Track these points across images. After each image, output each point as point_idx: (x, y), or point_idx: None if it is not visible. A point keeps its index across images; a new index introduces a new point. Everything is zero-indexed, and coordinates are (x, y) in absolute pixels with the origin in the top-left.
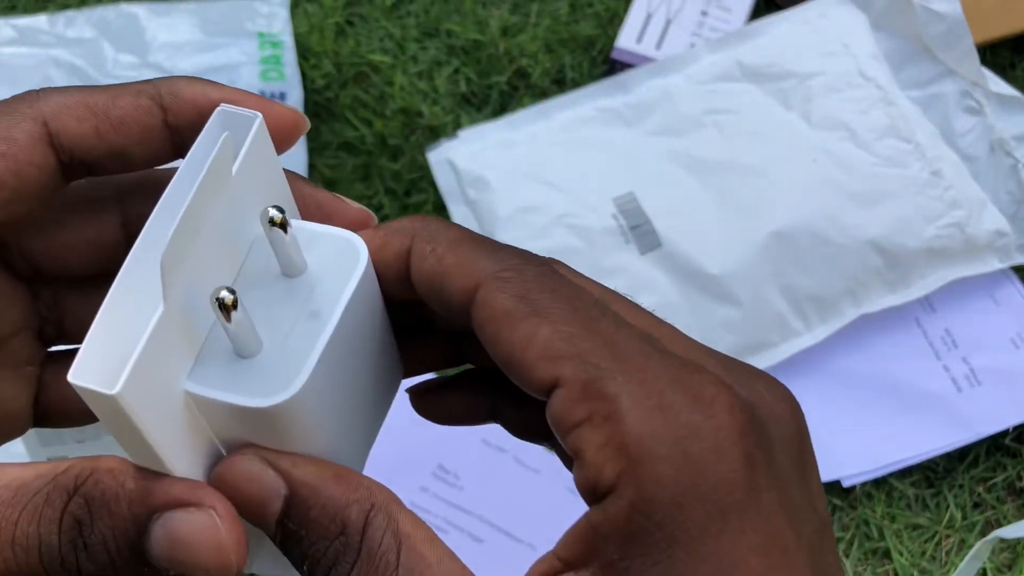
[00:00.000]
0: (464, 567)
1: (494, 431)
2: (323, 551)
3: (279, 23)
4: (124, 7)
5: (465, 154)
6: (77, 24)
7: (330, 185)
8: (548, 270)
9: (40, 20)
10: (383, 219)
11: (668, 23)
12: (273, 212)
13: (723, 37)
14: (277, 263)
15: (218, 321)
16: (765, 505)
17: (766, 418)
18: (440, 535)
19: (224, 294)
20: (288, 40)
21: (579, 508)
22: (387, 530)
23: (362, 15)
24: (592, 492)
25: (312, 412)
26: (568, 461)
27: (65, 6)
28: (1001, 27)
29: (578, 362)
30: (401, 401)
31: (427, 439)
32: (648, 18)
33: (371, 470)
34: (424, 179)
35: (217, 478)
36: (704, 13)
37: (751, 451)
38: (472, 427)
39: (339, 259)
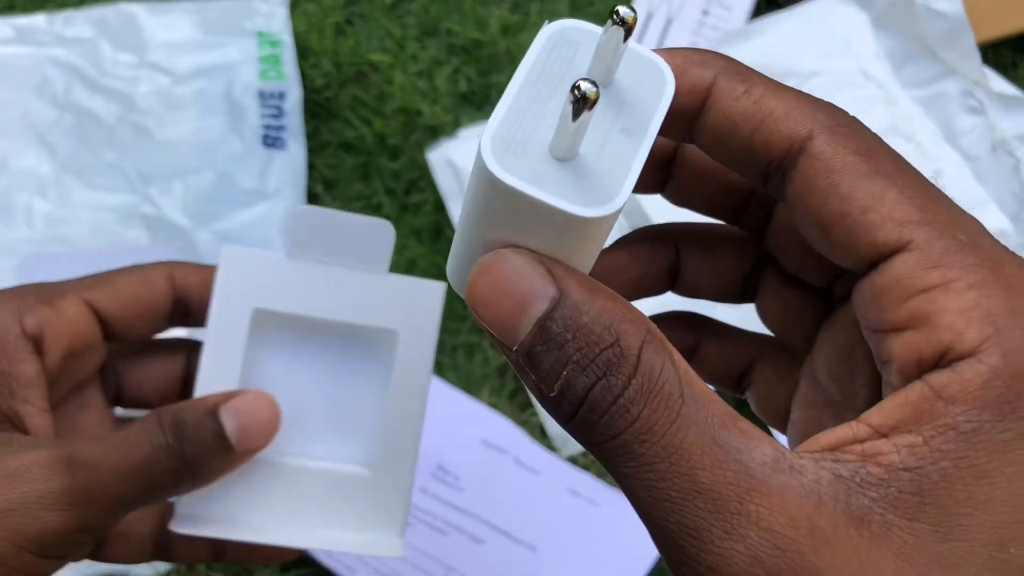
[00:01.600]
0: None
1: (494, 432)
2: (592, 357)
3: (278, 22)
4: (122, 6)
5: (465, 153)
6: (75, 23)
7: (330, 184)
8: (882, 141)
9: (38, 19)
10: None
11: (669, 22)
12: (625, 11)
13: (724, 36)
14: (588, 66)
15: (560, 112)
16: None
17: None
18: (440, 536)
19: (587, 86)
20: (287, 39)
21: (579, 508)
22: (666, 360)
23: (362, 14)
24: (939, 357)
25: (607, 232)
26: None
27: (63, 5)
28: (1003, 26)
29: (933, 229)
30: None
31: (426, 440)
32: (649, 17)
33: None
34: (424, 178)
35: (481, 267)
36: (705, 12)
37: None
38: (472, 429)
39: (647, 79)
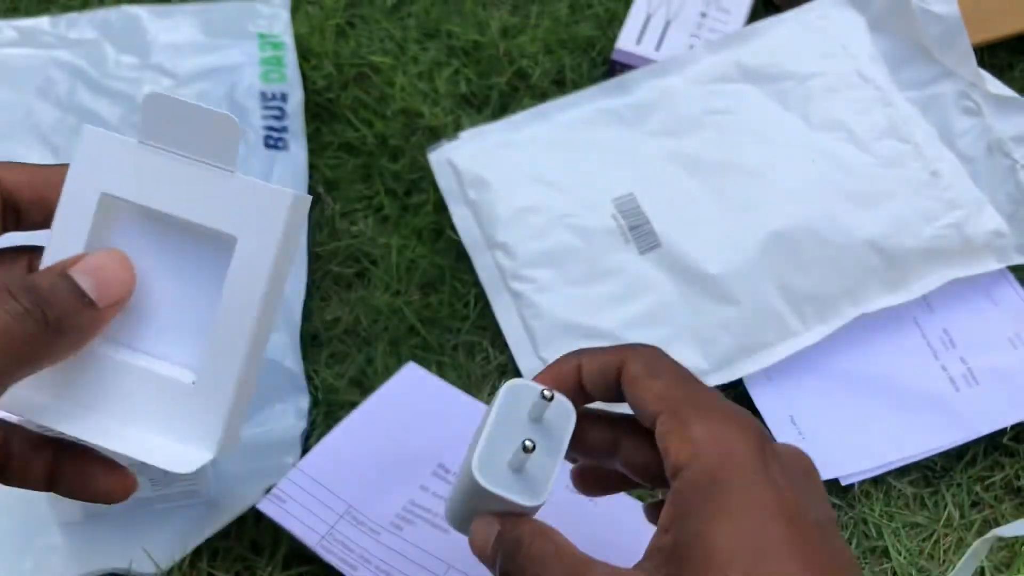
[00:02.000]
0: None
1: None
2: (509, 551)
3: (280, 24)
4: (126, 8)
5: (465, 155)
6: (79, 25)
7: (331, 185)
8: (657, 351)
9: (42, 21)
10: (383, 219)
11: (667, 24)
12: (548, 392)
13: (722, 38)
14: (528, 415)
15: (518, 451)
16: (772, 474)
17: (775, 445)
18: (440, 534)
19: (529, 444)
20: (289, 41)
21: (577, 507)
22: (545, 541)
23: (363, 16)
24: (673, 471)
25: (539, 507)
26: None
27: (67, 7)
28: (999, 28)
29: (670, 403)
30: (402, 399)
31: (428, 438)
32: (647, 19)
33: (375, 465)
34: (425, 179)
35: (473, 527)
36: (703, 14)
37: (762, 447)
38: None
39: (560, 417)
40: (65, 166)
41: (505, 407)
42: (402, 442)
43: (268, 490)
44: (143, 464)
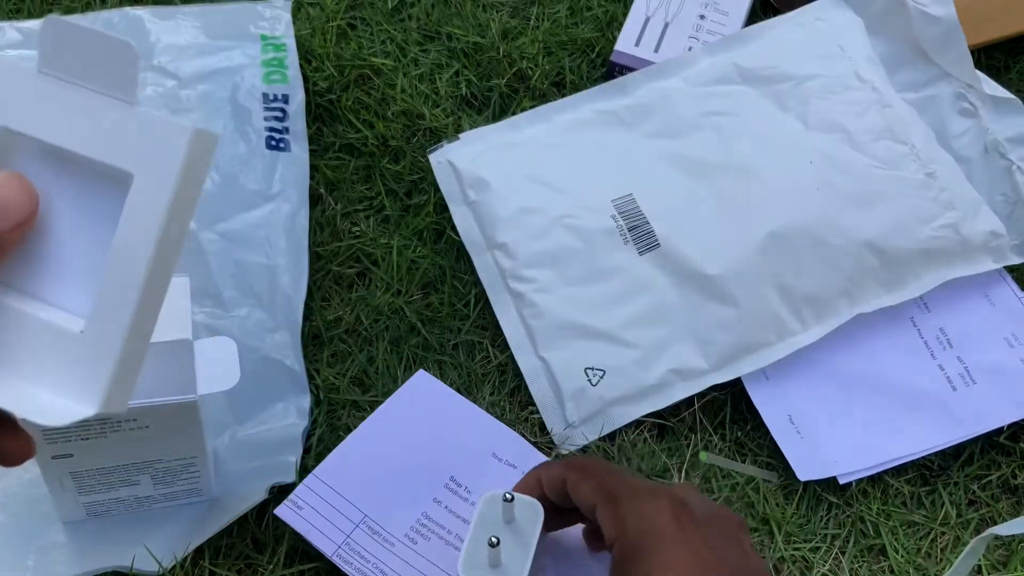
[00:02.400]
0: None
1: (503, 446)
2: None
3: (282, 26)
4: (128, 10)
5: (466, 156)
6: None
7: (332, 186)
8: (594, 460)
9: None
10: (384, 219)
11: (666, 26)
12: (509, 495)
13: (720, 40)
14: (502, 518)
15: (488, 550)
16: (689, 537)
17: (696, 507)
18: (449, 549)
19: (494, 539)
20: (291, 43)
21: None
22: None
23: (364, 18)
24: (609, 545)
25: None
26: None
27: (70, 9)
28: (995, 30)
29: (602, 493)
30: (413, 408)
31: (440, 449)
32: (646, 21)
33: (389, 475)
34: (425, 180)
35: None
36: (702, 16)
37: (678, 513)
38: (482, 441)
39: (529, 515)
40: None
41: (482, 514)
42: (414, 452)
43: (271, 489)
44: (28, 421)
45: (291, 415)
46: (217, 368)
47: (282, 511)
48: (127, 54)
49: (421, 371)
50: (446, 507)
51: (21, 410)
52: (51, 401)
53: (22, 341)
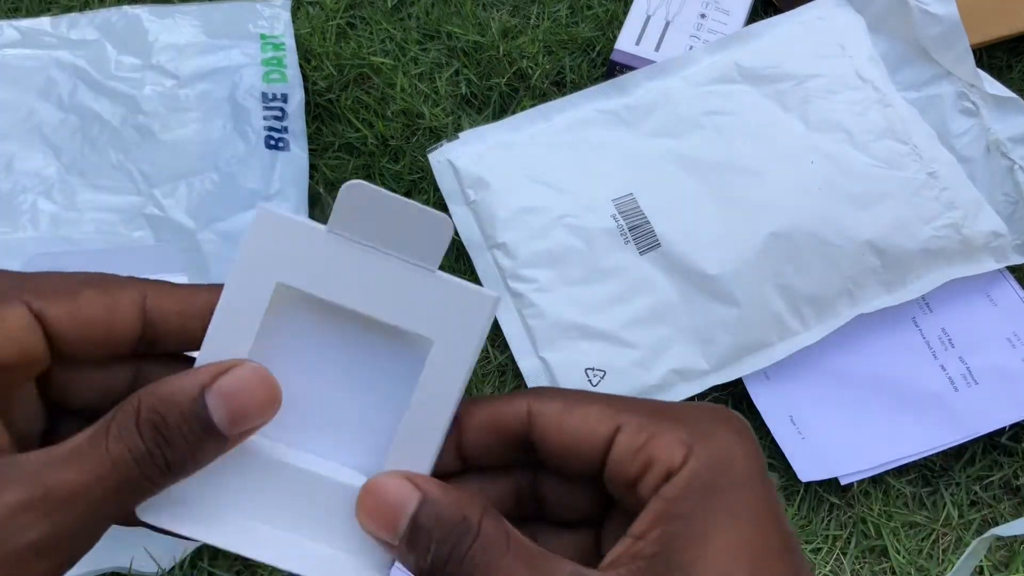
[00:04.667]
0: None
1: None
2: (447, 533)
3: (281, 25)
4: (127, 9)
5: (465, 155)
6: (80, 26)
7: (332, 186)
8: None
9: (43, 22)
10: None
11: (667, 25)
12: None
13: (721, 39)
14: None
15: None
16: (768, 480)
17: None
18: None
19: None
20: (290, 42)
21: None
22: (498, 524)
23: (363, 17)
24: (665, 479)
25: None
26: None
27: (68, 8)
28: (997, 29)
29: (629, 414)
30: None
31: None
32: (647, 20)
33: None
34: (425, 180)
35: (367, 488)
36: (702, 15)
37: (759, 451)
38: None
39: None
40: (215, 289)
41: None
42: None
43: None
44: None
45: None
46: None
47: None
48: (442, 228)
49: None
50: None
51: (311, 571)
52: (342, 560)
53: (297, 496)
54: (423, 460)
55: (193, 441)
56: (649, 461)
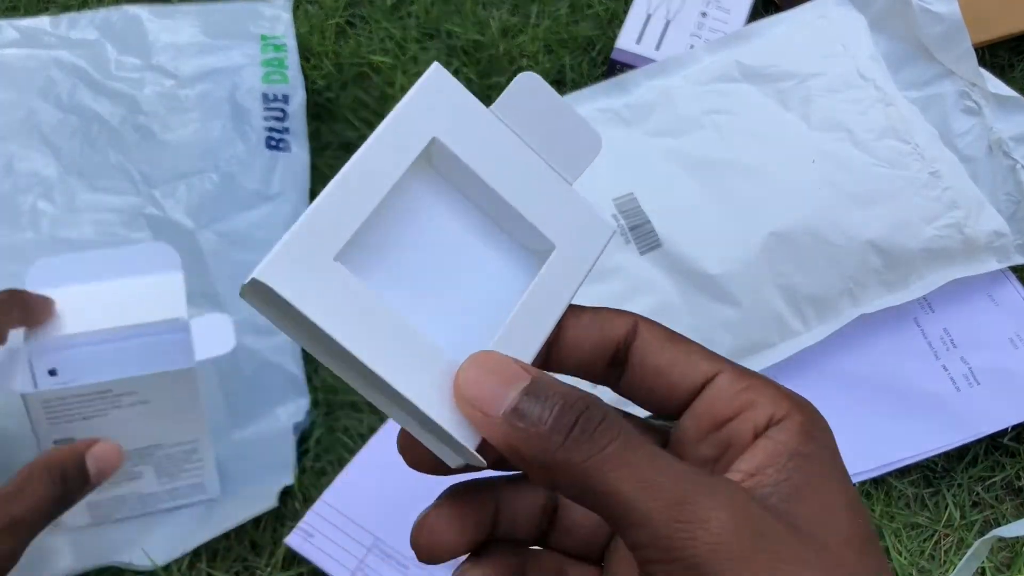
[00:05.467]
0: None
1: None
2: (572, 402)
3: (282, 26)
4: (127, 9)
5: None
6: (80, 26)
7: None
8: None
9: (42, 21)
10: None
11: (667, 24)
12: None
13: (722, 38)
14: None
15: None
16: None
17: None
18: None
19: None
20: (291, 43)
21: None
22: (621, 416)
23: (363, 16)
24: (768, 424)
25: None
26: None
27: (67, 7)
28: (999, 28)
29: (727, 364)
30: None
31: None
32: (647, 19)
33: (397, 496)
34: None
35: (472, 359)
36: (703, 14)
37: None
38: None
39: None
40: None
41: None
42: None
43: (279, 492)
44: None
45: (290, 417)
46: (213, 338)
47: (293, 540)
48: (593, 144)
49: None
50: None
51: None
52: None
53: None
54: (525, 354)
55: (80, 488)
56: (748, 404)
